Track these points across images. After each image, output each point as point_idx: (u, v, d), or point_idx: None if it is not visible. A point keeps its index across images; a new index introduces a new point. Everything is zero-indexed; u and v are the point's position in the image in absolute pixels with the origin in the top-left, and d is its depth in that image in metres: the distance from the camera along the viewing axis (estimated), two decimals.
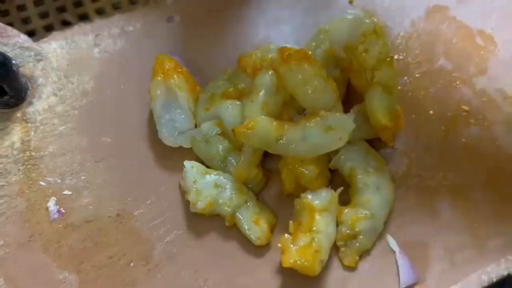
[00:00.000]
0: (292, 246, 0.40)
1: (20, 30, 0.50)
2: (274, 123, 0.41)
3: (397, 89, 0.43)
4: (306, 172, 0.42)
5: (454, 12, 0.53)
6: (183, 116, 0.45)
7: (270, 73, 0.43)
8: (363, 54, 0.42)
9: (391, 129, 0.43)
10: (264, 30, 0.52)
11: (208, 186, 0.42)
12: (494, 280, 0.41)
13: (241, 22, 0.52)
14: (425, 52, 0.51)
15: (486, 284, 0.41)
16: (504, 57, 0.49)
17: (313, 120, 0.41)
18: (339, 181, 0.44)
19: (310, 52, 0.43)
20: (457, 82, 0.49)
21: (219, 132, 0.44)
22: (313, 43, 0.47)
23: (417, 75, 0.50)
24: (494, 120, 0.47)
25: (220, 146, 0.44)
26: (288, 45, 0.44)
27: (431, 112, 0.49)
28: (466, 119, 0.48)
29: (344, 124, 0.41)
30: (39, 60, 0.49)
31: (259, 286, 0.41)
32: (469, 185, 0.45)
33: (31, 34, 0.55)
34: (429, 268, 0.42)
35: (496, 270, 0.42)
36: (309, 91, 0.42)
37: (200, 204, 0.42)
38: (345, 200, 0.44)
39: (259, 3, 0.53)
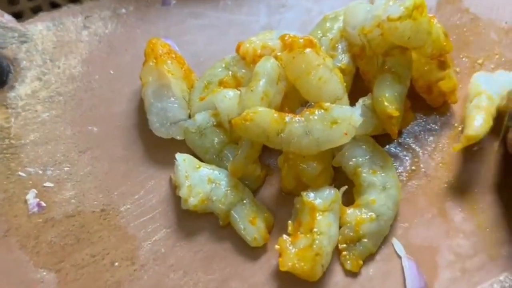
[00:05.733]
0: (291, 248, 0.39)
1: (6, 11, 0.50)
2: (275, 115, 0.40)
3: (408, 79, 0.43)
4: (308, 169, 0.41)
5: (467, 3, 0.53)
6: (176, 105, 0.44)
7: (271, 61, 0.42)
8: (379, 37, 0.41)
9: (397, 120, 0.42)
10: (266, 16, 0.51)
11: (202, 181, 0.42)
12: None
13: (241, 6, 0.52)
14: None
15: None
16: None
17: (317, 113, 0.40)
18: (342, 180, 0.44)
19: (315, 40, 0.43)
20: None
21: (214, 123, 0.44)
22: (319, 31, 0.47)
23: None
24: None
25: (216, 139, 0.44)
26: (292, 33, 0.44)
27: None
28: None
29: (350, 118, 0.40)
30: (23, 42, 0.49)
31: None
32: (480, 186, 0.45)
33: (17, 16, 0.55)
34: (438, 275, 0.41)
35: (509, 279, 0.41)
36: (313, 81, 0.42)
37: (192, 200, 0.41)
38: (348, 200, 0.43)
39: None
